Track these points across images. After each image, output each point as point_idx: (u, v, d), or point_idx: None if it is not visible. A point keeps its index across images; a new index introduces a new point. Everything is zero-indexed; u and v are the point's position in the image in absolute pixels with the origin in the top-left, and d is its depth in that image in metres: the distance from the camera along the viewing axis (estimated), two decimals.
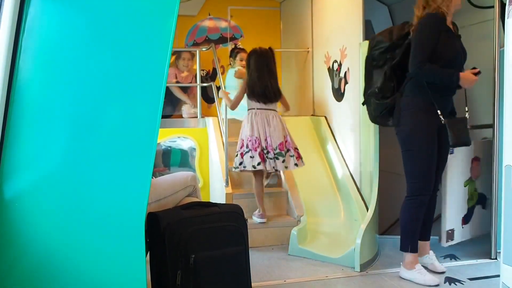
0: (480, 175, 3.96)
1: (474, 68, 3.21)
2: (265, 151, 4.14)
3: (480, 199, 3.99)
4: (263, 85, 4.15)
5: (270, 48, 4.24)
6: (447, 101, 3.27)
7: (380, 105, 3.38)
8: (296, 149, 4.26)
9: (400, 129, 3.28)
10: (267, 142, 4.14)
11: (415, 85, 3.22)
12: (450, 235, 3.75)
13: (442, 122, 3.16)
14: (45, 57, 2.14)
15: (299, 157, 4.27)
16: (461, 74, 3.12)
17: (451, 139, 3.16)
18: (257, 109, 4.20)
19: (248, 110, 4.25)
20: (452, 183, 3.70)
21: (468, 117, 3.27)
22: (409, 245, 3.26)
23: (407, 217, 3.28)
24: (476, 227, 3.94)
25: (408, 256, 3.26)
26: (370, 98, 3.48)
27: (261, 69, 4.17)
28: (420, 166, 3.23)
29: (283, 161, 4.15)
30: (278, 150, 4.14)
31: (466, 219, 3.89)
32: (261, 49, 4.24)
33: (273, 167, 4.15)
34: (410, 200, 3.27)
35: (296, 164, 4.22)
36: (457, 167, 3.75)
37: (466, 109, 3.32)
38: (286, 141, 4.20)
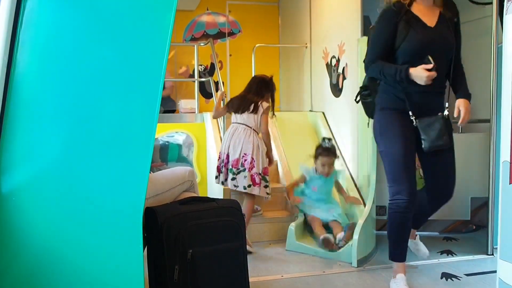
0: None
1: (428, 61, 2.85)
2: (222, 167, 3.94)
3: None
4: (240, 97, 4.01)
5: (271, 77, 4.09)
6: (424, 97, 2.97)
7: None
8: (259, 174, 3.81)
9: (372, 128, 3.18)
10: (227, 158, 3.89)
11: (384, 81, 3.06)
12: (381, 211, 4.00)
13: (414, 123, 2.95)
14: (42, 50, 2.13)
15: (256, 184, 3.80)
16: (411, 69, 2.84)
17: (423, 142, 2.94)
18: (232, 123, 4.01)
19: None
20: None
21: (447, 114, 2.97)
22: (390, 252, 3.05)
23: (388, 221, 3.04)
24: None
25: (394, 263, 3.06)
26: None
27: (249, 87, 4.03)
28: (390, 169, 2.97)
29: (233, 179, 3.83)
30: (230, 167, 3.85)
31: None
32: (261, 76, 4.13)
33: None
34: (389, 203, 3.01)
35: (245, 188, 3.80)
36: None
37: (446, 105, 3.02)
38: (245, 160, 3.82)
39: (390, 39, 2.95)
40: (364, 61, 3.12)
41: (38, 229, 2.10)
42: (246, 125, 3.90)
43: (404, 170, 2.93)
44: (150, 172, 2.21)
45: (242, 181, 3.79)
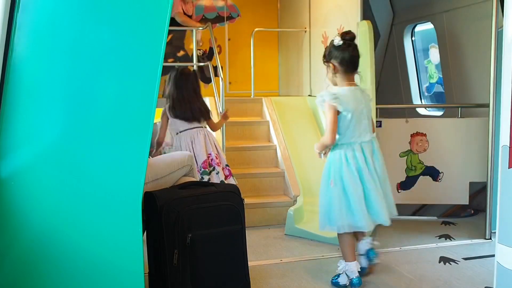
0: (427, 149, 4.23)
1: None
2: None
3: (428, 171, 4.26)
4: (186, 105, 3.86)
5: (194, 71, 4.12)
6: None
7: None
8: (226, 166, 4.00)
9: None
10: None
11: None
12: None
13: None
14: (40, 33, 2.12)
15: (229, 176, 3.98)
16: None
17: None
18: (181, 132, 3.89)
19: (175, 135, 3.95)
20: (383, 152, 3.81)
21: None
22: None
23: None
24: (421, 195, 4.29)
25: None
26: None
27: (184, 89, 3.88)
28: None
29: (209, 180, 3.81)
30: (202, 169, 3.83)
31: (403, 186, 4.30)
32: (184, 70, 4.04)
33: None
34: None
35: (222, 181, 3.87)
36: (388, 139, 4.03)
37: None
38: (210, 159, 3.88)
39: None
40: None
41: (38, 212, 2.11)
42: (198, 127, 3.92)
43: None
44: (149, 157, 2.21)
45: (215, 177, 3.83)
